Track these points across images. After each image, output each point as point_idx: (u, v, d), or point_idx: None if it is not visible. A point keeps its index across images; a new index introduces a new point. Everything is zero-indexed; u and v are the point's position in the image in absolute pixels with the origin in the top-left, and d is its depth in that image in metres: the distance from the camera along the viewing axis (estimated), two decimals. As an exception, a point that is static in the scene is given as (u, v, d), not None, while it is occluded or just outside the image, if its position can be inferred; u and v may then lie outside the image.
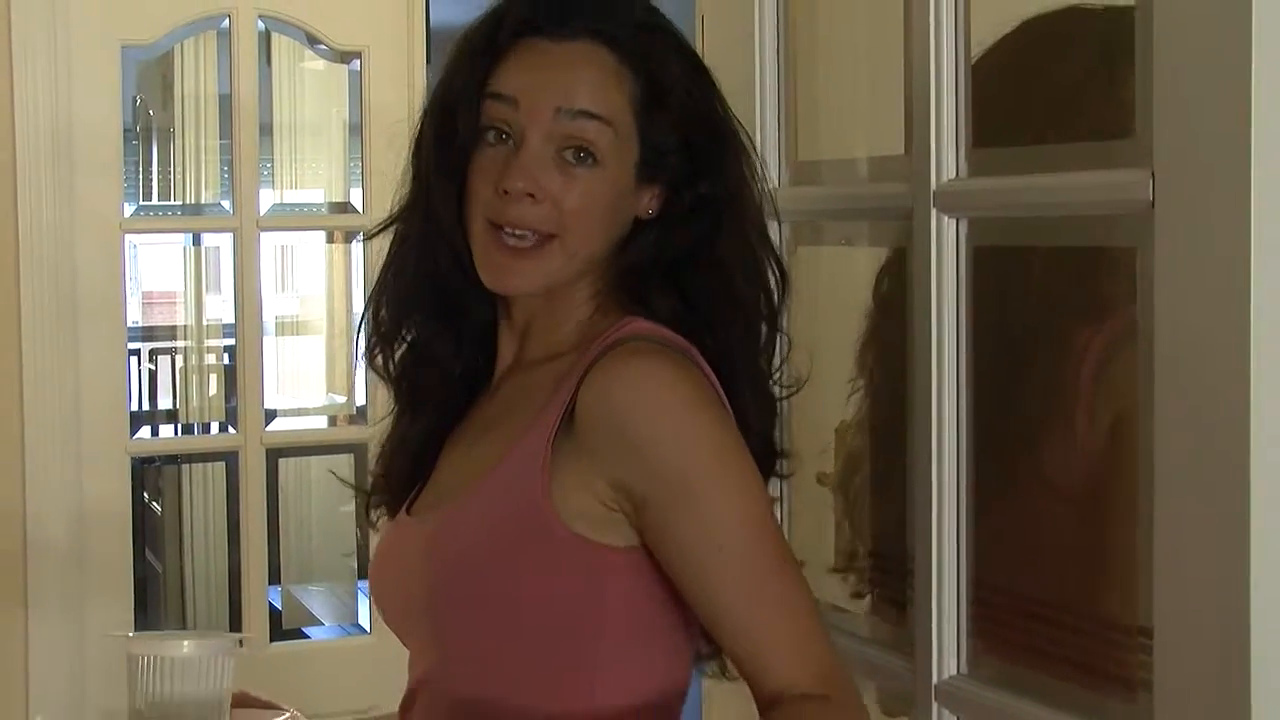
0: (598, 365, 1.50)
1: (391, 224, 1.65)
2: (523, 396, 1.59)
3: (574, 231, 1.54)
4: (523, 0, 1.57)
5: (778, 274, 1.67)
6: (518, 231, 1.53)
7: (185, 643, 1.76)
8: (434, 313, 1.65)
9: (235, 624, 3.51)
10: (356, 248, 3.65)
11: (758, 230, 1.65)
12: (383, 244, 1.69)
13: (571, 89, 1.53)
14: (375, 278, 1.70)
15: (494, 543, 1.52)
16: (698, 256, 1.60)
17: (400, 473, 1.69)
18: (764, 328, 1.66)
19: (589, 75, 1.54)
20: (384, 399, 1.88)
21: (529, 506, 1.49)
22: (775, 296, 1.67)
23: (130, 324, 3.44)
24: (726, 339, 1.59)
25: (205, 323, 3.87)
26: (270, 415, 3.53)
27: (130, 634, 1.96)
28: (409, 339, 1.68)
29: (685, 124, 1.59)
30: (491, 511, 1.53)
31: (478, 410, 1.66)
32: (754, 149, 1.68)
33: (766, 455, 1.67)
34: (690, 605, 1.51)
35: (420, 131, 1.62)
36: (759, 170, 1.68)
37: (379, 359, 1.69)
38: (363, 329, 1.70)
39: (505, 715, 1.54)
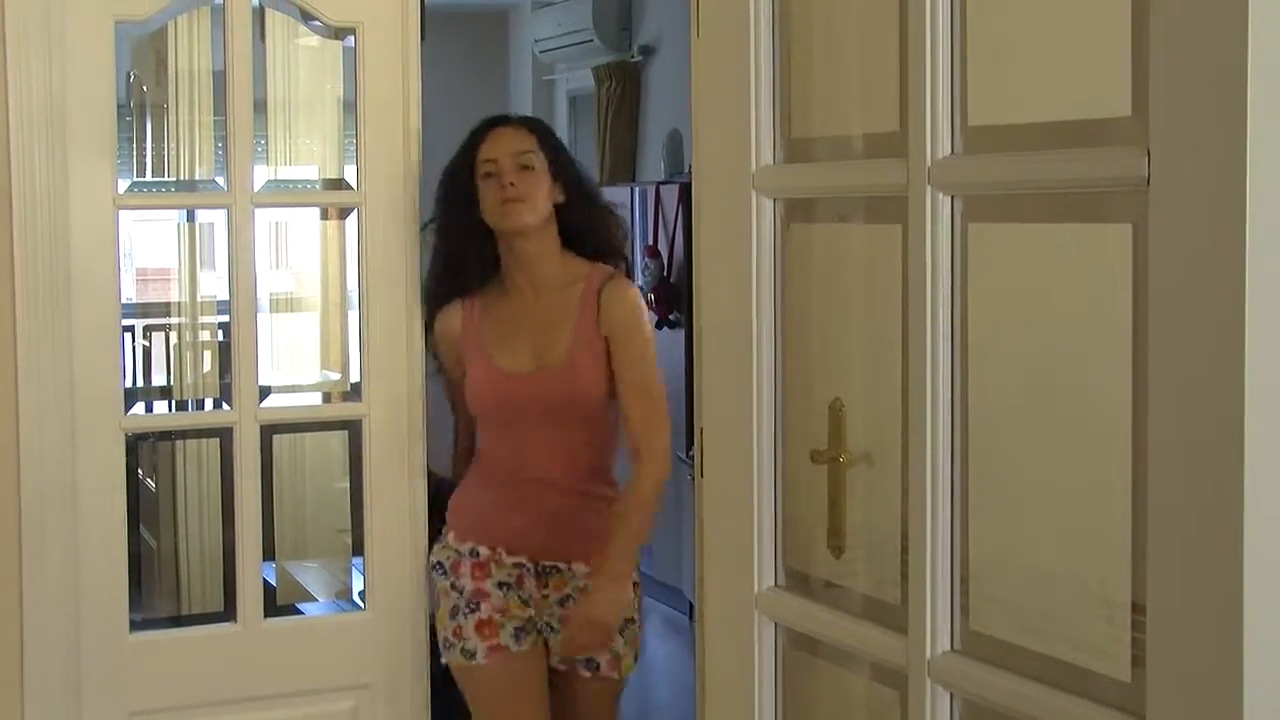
0: (605, 289, 3.29)
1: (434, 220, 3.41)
2: (560, 308, 3.31)
3: (532, 197, 3.29)
4: (490, 118, 3.41)
5: (617, 220, 3.49)
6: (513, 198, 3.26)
7: None
8: (468, 251, 3.37)
9: (230, 600, 3.51)
10: (350, 224, 3.64)
11: (600, 199, 3.48)
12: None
13: (517, 143, 3.33)
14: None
15: (598, 380, 3.25)
16: (580, 218, 3.38)
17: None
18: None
19: (522, 137, 3.34)
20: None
21: (600, 362, 3.26)
22: (620, 233, 3.48)
23: (124, 300, 3.42)
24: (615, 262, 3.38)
25: (199, 299, 3.86)
26: (264, 392, 3.51)
27: None
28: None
29: (557, 157, 3.37)
30: (591, 366, 3.26)
31: (521, 309, 3.35)
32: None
33: None
34: (619, 396, 3.26)
35: (450, 177, 3.38)
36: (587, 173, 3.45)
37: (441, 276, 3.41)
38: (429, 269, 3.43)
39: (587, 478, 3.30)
